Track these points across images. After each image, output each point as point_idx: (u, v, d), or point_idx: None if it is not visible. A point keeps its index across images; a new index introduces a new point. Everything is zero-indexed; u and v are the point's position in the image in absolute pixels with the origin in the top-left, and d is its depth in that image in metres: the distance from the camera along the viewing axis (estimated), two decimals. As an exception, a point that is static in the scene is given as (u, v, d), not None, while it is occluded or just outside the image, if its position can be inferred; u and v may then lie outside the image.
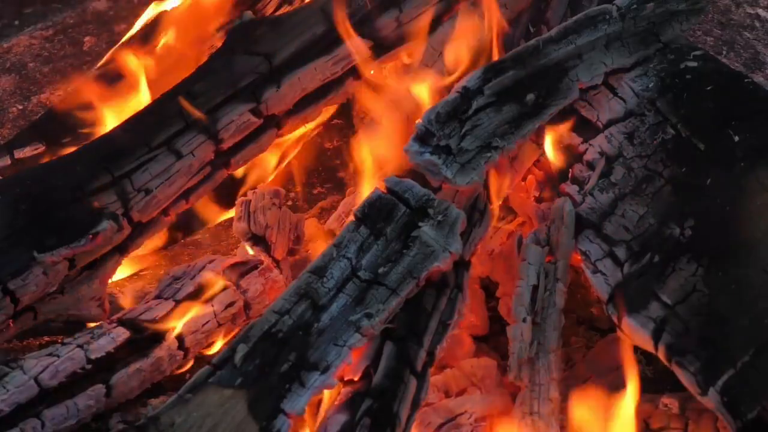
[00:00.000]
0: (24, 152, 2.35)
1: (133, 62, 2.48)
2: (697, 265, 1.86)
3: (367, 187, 2.09)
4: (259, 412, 1.65)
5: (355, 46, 2.20)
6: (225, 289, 2.16)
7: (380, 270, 1.78)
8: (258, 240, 2.35)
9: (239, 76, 2.15)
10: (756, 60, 2.94)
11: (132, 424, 1.98)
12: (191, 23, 2.58)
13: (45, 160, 2.41)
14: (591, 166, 2.04)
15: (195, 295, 2.13)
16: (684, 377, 1.82)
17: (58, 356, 1.96)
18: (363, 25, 2.21)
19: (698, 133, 1.98)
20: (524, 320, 1.92)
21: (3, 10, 3.31)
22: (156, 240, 2.42)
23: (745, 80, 2.11)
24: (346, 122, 2.82)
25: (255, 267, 2.22)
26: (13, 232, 1.98)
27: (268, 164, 2.53)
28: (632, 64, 2.07)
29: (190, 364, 2.11)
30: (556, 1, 2.18)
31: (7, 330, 2.00)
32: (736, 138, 1.96)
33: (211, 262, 2.21)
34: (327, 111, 2.44)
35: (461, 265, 1.90)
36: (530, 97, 1.95)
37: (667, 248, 1.89)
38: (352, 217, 1.83)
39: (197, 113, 2.10)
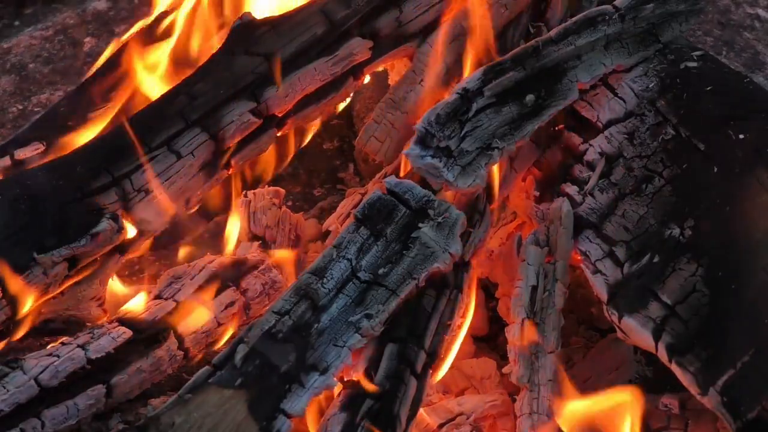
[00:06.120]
0: (24, 152, 2.34)
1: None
2: (697, 265, 1.86)
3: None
4: (259, 413, 1.66)
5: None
6: (225, 289, 2.16)
7: (380, 271, 1.78)
8: (258, 240, 2.35)
9: (239, 76, 2.15)
10: (756, 60, 2.94)
11: (132, 424, 1.99)
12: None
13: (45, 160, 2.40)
14: (591, 166, 2.04)
15: (195, 295, 2.13)
16: (684, 377, 1.82)
17: (58, 356, 1.96)
18: (363, 25, 2.21)
19: (698, 133, 1.98)
20: (523, 320, 1.92)
21: (3, 10, 3.30)
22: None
23: (745, 80, 2.11)
24: (346, 122, 2.82)
25: (255, 267, 2.22)
26: (13, 232, 1.97)
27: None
28: (632, 64, 2.07)
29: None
30: (556, 2, 2.18)
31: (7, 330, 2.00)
32: (736, 138, 1.95)
33: (211, 262, 2.21)
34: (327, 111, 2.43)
35: (461, 266, 1.90)
36: (530, 97, 1.95)
37: (667, 248, 1.89)
38: (352, 218, 1.83)
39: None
